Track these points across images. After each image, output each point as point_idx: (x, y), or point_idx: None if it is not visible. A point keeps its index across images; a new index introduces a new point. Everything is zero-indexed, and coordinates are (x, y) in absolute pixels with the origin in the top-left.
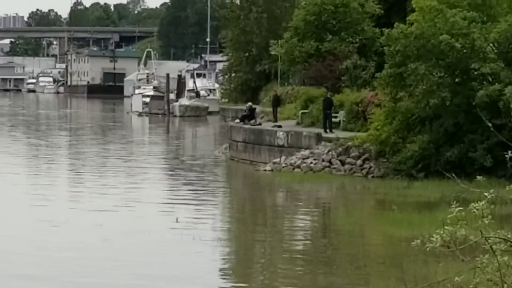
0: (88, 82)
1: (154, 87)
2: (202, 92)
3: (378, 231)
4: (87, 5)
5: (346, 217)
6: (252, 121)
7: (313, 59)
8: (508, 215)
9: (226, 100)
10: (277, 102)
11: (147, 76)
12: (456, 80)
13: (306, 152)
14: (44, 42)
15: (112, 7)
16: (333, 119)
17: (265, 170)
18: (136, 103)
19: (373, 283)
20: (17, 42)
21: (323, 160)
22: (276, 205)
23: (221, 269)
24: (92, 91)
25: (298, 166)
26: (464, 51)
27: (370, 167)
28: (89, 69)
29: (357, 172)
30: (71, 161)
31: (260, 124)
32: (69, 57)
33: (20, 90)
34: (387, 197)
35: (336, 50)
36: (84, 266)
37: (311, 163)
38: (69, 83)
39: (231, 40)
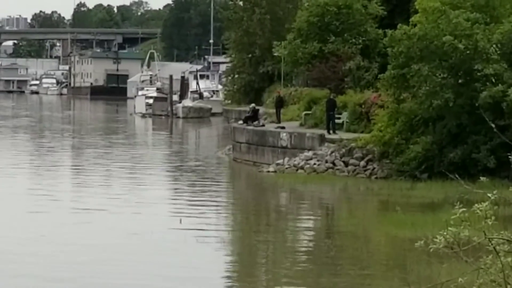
0: (91, 83)
1: (157, 89)
2: (205, 94)
3: (382, 232)
4: (90, 7)
5: (349, 218)
6: (256, 122)
7: (316, 61)
8: (511, 216)
9: (229, 101)
10: (280, 103)
11: (150, 78)
12: (460, 81)
13: (310, 153)
14: (47, 44)
15: (115, 9)
16: (337, 120)
17: (268, 171)
18: (139, 104)
19: (376, 284)
20: (20, 43)
21: (326, 161)
22: (280, 206)
23: (224, 270)
24: (95, 92)
25: (302, 167)
26: (467, 52)
27: (374, 168)
28: (92, 71)
29: (361, 173)
30: (74, 162)
31: (263, 125)
32: (72, 59)
33: (23, 92)
34: (391, 198)
35: (339, 51)
36: (86, 266)
37: (315, 164)
38: (72, 84)
39: (234, 41)
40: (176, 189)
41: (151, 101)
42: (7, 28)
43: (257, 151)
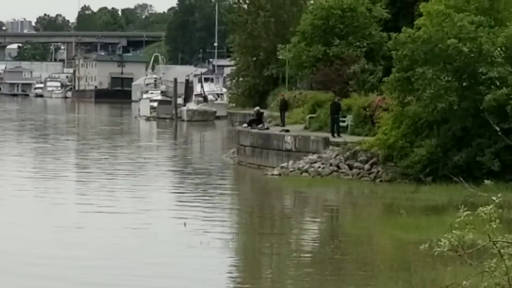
0: (95, 86)
1: (161, 92)
2: (210, 97)
3: (386, 235)
4: (95, 10)
5: (354, 221)
6: (260, 126)
7: (320, 64)
8: None
9: (234, 104)
10: (284, 106)
11: (155, 81)
12: (464, 84)
13: (314, 157)
14: (51, 47)
15: (119, 12)
16: (341, 124)
17: (272, 175)
18: (143, 107)
19: (381, 287)
20: (25, 47)
21: (330, 165)
22: (284, 209)
23: (229, 273)
24: (100, 95)
25: (306, 171)
26: (472, 55)
27: (378, 171)
28: (96, 74)
29: (365, 176)
30: (79, 165)
31: (267, 128)
32: (76, 62)
33: (28, 95)
34: (395, 201)
35: (344, 54)
36: (88, 267)
37: (319, 167)
38: (76, 87)
39: (238, 44)
40: (180, 192)
41: (155, 104)
42: (11, 31)
43: (262, 154)
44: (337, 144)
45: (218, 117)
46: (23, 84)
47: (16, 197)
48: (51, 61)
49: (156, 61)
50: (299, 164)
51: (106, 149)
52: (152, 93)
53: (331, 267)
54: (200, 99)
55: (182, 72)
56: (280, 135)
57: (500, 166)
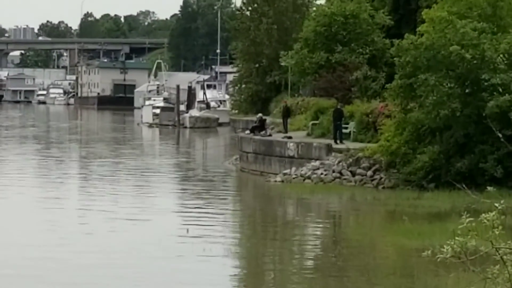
0: (98, 93)
1: (164, 99)
2: (212, 103)
3: (389, 242)
4: (98, 17)
5: (356, 228)
6: (263, 132)
7: (323, 70)
8: None
9: (236, 111)
10: (287, 113)
11: (157, 88)
12: (466, 91)
13: (317, 163)
14: (54, 54)
15: (122, 19)
16: (344, 130)
17: (275, 181)
18: (146, 114)
19: None
20: (28, 53)
21: (333, 171)
22: (287, 216)
23: (231, 280)
24: (102, 102)
25: (309, 177)
26: (474, 61)
27: (381, 178)
28: (99, 81)
29: (368, 183)
30: (82, 172)
31: (270, 135)
32: (79, 69)
33: (31, 102)
34: (398, 208)
35: (346, 61)
36: (91, 274)
37: (322, 174)
38: (79, 94)
39: (241, 51)
40: (183, 198)
41: (158, 111)
42: (14, 38)
43: (264, 161)
44: (339, 151)
45: (220, 124)
46: (25, 91)
47: (17, 204)
48: (53, 68)
49: (158, 68)
50: (301, 170)
51: (108, 155)
52: (154, 100)
53: (334, 273)
54: (203, 105)
55: (185, 78)
56: (283, 142)
57: (502, 173)
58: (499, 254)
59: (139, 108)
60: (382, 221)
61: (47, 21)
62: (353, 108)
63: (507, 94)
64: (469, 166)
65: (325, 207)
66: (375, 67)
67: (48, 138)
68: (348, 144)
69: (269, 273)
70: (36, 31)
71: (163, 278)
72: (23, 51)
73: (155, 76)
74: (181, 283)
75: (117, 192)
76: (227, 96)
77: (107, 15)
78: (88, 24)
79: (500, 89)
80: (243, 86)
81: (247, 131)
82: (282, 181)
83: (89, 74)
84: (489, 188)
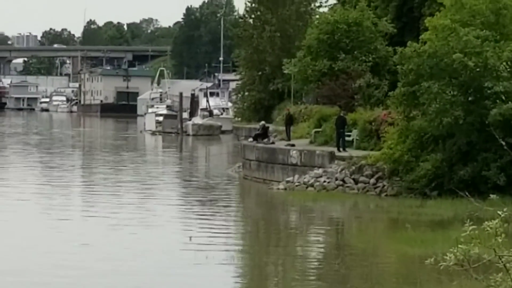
0: (101, 101)
1: (167, 106)
2: (215, 111)
3: (392, 250)
4: (100, 24)
5: (359, 235)
6: (265, 140)
7: (326, 78)
8: None
9: (239, 119)
10: (290, 121)
11: (160, 95)
12: (469, 98)
13: (319, 171)
14: (57, 61)
15: (125, 26)
16: (346, 138)
17: (278, 189)
18: (149, 122)
19: None
20: (31, 61)
21: (336, 179)
22: (289, 223)
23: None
24: (105, 110)
25: (312, 185)
26: (477, 69)
27: (384, 185)
28: (102, 88)
29: (371, 190)
30: (85, 179)
31: (273, 143)
32: (82, 76)
33: (34, 109)
34: (401, 216)
35: (349, 69)
36: (96, 284)
37: (324, 181)
38: (82, 102)
39: (244, 59)
40: (185, 206)
41: (161, 118)
42: (17, 45)
43: (267, 168)
44: (342, 159)
45: (223, 132)
46: (28, 98)
47: (20, 211)
48: (56, 75)
49: (161, 75)
50: (304, 178)
51: (111, 163)
52: (157, 107)
53: (337, 281)
54: (206, 113)
55: (188, 86)
56: (286, 150)
57: (505, 181)
58: (502, 262)
59: (142, 115)
60: (385, 229)
61: (50, 29)
62: (356, 116)
63: (510, 102)
64: (472, 174)
65: (328, 215)
66: (378, 75)
67: (51, 146)
68: (351, 152)
69: (272, 280)
70: (39, 38)
71: (166, 286)
72: (26, 59)
73: (158, 83)
74: None
75: (120, 200)
76: (230, 104)
77: (110, 22)
78: (91, 32)
79: (503, 97)
80: (246, 93)
81: (250, 139)
82: (285, 189)
83: (92, 81)
84: (492, 196)
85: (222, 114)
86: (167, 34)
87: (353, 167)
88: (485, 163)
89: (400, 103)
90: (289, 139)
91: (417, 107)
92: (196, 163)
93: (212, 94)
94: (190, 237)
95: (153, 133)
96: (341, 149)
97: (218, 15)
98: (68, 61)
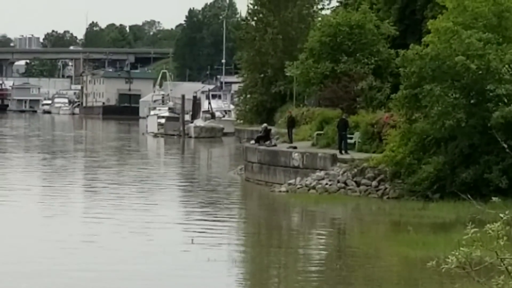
0: (103, 103)
1: (169, 108)
2: (218, 113)
3: (394, 252)
4: (103, 26)
5: (361, 238)
6: (268, 142)
7: (328, 80)
8: None
9: (241, 121)
10: (292, 123)
11: (163, 97)
12: (472, 101)
13: (321, 173)
14: (59, 63)
15: (127, 29)
16: (349, 140)
17: (280, 191)
18: (151, 124)
19: None
20: (33, 63)
21: (338, 181)
22: (291, 226)
23: None
24: (108, 112)
25: (313, 187)
26: (480, 72)
27: (386, 188)
28: (104, 90)
29: (373, 193)
30: (86, 182)
31: (275, 145)
32: (84, 78)
33: (36, 111)
34: (403, 218)
35: (352, 71)
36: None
37: (326, 184)
38: (84, 104)
39: (246, 61)
40: (187, 208)
41: (163, 120)
42: (19, 47)
43: (269, 171)
44: (344, 161)
45: (225, 134)
46: (31, 100)
47: (21, 213)
48: (58, 77)
49: (163, 77)
50: (306, 180)
51: (113, 165)
52: (159, 109)
53: (339, 283)
54: (208, 115)
55: (190, 88)
56: (288, 152)
57: (507, 183)
58: (504, 264)
59: (144, 118)
60: (387, 231)
61: (52, 31)
62: (358, 118)
63: None
64: (474, 176)
65: (329, 217)
66: (380, 78)
67: (53, 148)
68: (353, 154)
69: (273, 283)
70: (41, 40)
71: (168, 287)
72: (28, 61)
73: (160, 86)
74: None
75: (122, 202)
76: (232, 106)
77: (112, 24)
78: (93, 34)
79: (505, 100)
80: (248, 96)
81: (252, 141)
82: (287, 191)
83: (94, 83)
84: (494, 198)
85: (224, 116)
86: (169, 36)
87: (355, 170)
88: (487, 166)
89: (402, 106)
90: (291, 142)
91: (419, 109)
92: (198, 165)
93: (214, 96)
94: (192, 239)
95: (155, 135)
96: (343, 151)
97: (221, 17)
98: (70, 63)
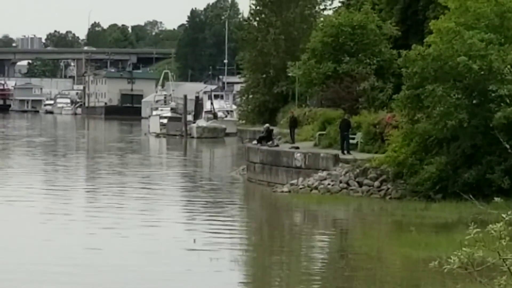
0: (105, 103)
1: (171, 109)
2: (220, 114)
3: (396, 253)
4: (105, 27)
5: (363, 238)
6: (270, 143)
7: (330, 81)
8: None
9: (244, 121)
10: (294, 123)
11: (165, 98)
12: (474, 101)
13: (324, 174)
14: (61, 64)
15: (129, 29)
16: (351, 141)
17: (282, 192)
18: (153, 124)
19: None
20: (35, 63)
21: (340, 182)
22: (294, 226)
23: None
24: (110, 112)
25: (316, 188)
26: (482, 72)
27: (388, 188)
28: (106, 91)
29: (375, 193)
30: (88, 182)
31: (277, 145)
32: (86, 79)
33: (38, 112)
34: (405, 219)
35: (354, 71)
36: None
37: (329, 184)
38: (86, 104)
39: (248, 61)
40: (190, 209)
41: (165, 121)
42: (21, 47)
43: (271, 171)
44: (346, 161)
45: (227, 134)
46: (33, 100)
47: (24, 213)
48: (61, 77)
49: (166, 78)
50: (308, 181)
51: (115, 165)
52: (162, 110)
53: (341, 284)
54: (210, 116)
55: (192, 89)
56: (290, 152)
57: (510, 184)
58: (506, 265)
59: (146, 118)
60: (389, 232)
61: (55, 31)
62: (360, 119)
63: None
64: (476, 177)
65: (332, 218)
66: (383, 78)
67: (56, 148)
68: (355, 155)
69: (276, 282)
70: (43, 41)
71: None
72: (30, 61)
73: (163, 86)
74: None
75: (124, 203)
76: (234, 106)
77: (115, 25)
78: (96, 34)
79: (508, 100)
80: (250, 96)
81: (254, 142)
82: (289, 192)
83: (96, 84)
84: (496, 199)
85: (226, 116)
86: (171, 37)
87: (358, 170)
88: (489, 166)
89: (404, 106)
90: (293, 142)
91: (422, 110)
92: (200, 165)
93: (216, 96)
94: (194, 239)
95: (158, 136)
96: (345, 152)
97: (223, 17)
98: (72, 64)
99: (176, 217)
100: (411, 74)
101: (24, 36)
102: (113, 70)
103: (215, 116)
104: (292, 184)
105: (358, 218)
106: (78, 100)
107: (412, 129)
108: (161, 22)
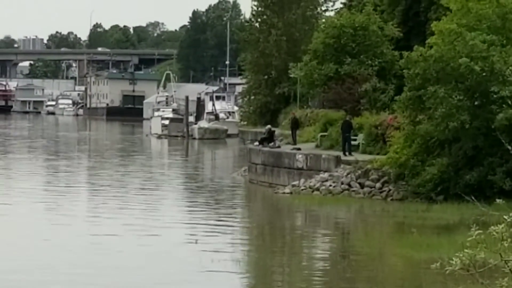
0: (107, 104)
1: (173, 110)
2: (221, 115)
3: (397, 254)
4: (107, 28)
5: (365, 239)
6: (271, 144)
7: (332, 82)
8: None
9: (245, 122)
10: (295, 125)
11: (166, 99)
12: (476, 103)
13: (325, 175)
14: (63, 65)
15: (131, 30)
16: (352, 142)
17: (284, 193)
18: (155, 125)
19: None
20: (37, 64)
21: (342, 183)
22: (295, 227)
23: None
24: (111, 113)
25: (317, 189)
26: (484, 74)
27: (389, 190)
28: (108, 92)
29: (376, 195)
30: (90, 183)
31: (279, 146)
32: (88, 80)
33: (40, 113)
34: (406, 220)
35: (356, 73)
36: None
37: (330, 186)
38: (88, 105)
39: (250, 62)
40: (191, 209)
41: (167, 122)
42: (23, 48)
43: (273, 172)
44: (348, 163)
45: (229, 135)
46: (34, 101)
47: (26, 213)
48: (62, 78)
49: (167, 79)
50: (310, 182)
51: (117, 166)
52: (163, 111)
53: (343, 285)
54: (212, 117)
55: (194, 90)
56: (292, 154)
57: (511, 185)
58: (508, 266)
59: (148, 119)
60: (391, 233)
61: (56, 32)
62: (362, 120)
63: None
64: (478, 178)
65: (333, 219)
66: (384, 79)
67: (57, 149)
68: (357, 156)
69: (277, 283)
70: (45, 41)
71: None
72: (32, 62)
73: (164, 87)
74: None
75: (126, 204)
76: (236, 108)
77: (116, 26)
78: (97, 35)
79: (509, 102)
80: (252, 97)
81: (256, 143)
82: (291, 193)
83: (98, 85)
84: (498, 200)
85: (228, 117)
86: (173, 38)
87: (359, 171)
88: (491, 168)
89: (406, 108)
90: (295, 143)
91: (423, 111)
92: (202, 166)
93: (218, 97)
94: (196, 240)
95: (159, 137)
96: (347, 153)
97: (224, 19)
98: (74, 64)
99: (177, 218)
100: (413, 76)
101: (26, 37)
102: (114, 71)
103: (216, 117)
104: (293, 186)
105: (360, 219)
106: (79, 101)
107: (414, 131)
108: (163, 23)
